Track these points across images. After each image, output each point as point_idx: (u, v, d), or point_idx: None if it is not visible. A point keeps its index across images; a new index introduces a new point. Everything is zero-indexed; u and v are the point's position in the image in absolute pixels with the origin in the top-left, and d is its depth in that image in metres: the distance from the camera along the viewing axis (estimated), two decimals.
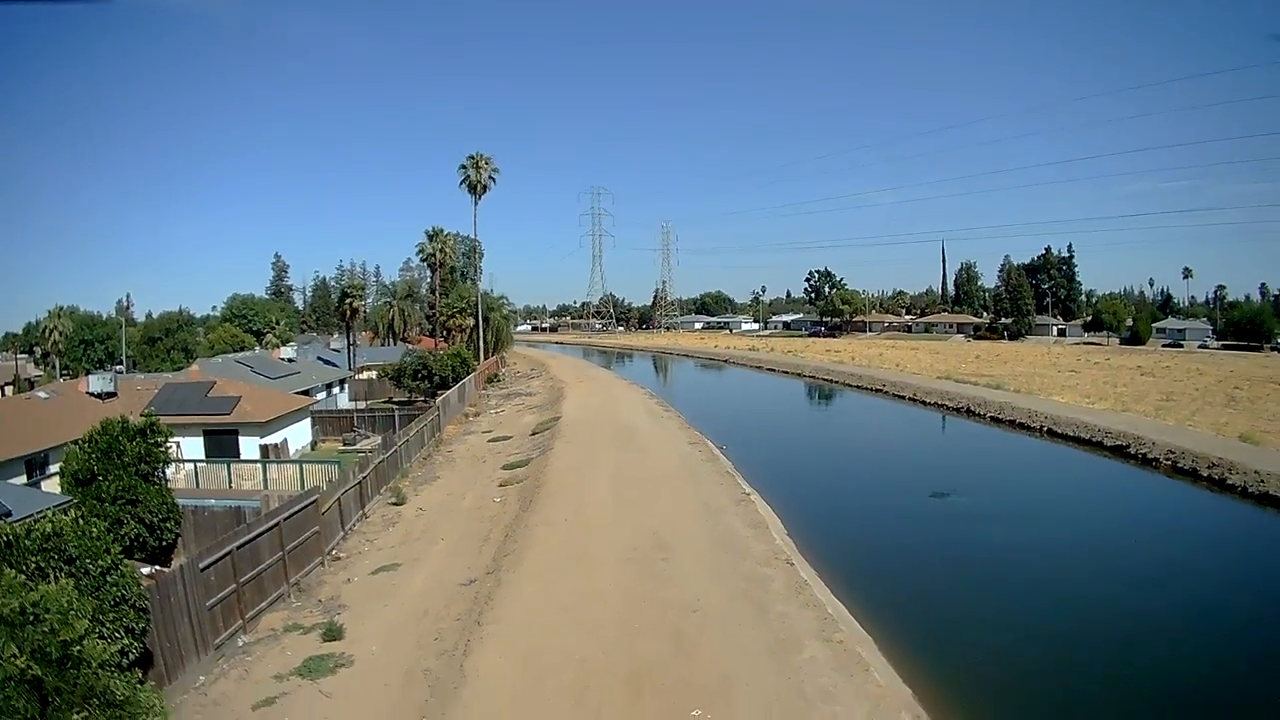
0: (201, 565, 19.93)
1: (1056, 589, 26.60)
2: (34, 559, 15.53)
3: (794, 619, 20.01)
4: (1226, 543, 33.78)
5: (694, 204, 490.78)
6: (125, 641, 15.07)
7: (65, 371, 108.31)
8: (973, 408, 67.64)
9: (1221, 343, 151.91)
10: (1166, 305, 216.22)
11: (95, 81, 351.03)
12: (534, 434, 53.44)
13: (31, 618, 11.99)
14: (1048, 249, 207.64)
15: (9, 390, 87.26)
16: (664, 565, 24.55)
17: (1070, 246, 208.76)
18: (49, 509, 22.20)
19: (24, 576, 13.88)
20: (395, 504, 35.85)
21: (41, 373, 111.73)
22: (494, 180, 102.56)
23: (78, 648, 12.11)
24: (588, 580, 23.61)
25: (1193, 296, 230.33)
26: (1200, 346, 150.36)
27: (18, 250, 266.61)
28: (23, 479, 37.83)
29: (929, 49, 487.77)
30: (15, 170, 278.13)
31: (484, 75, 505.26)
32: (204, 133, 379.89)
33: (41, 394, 50.58)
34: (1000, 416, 62.92)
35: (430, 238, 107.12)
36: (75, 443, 28.29)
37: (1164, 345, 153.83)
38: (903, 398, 79.88)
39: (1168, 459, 44.56)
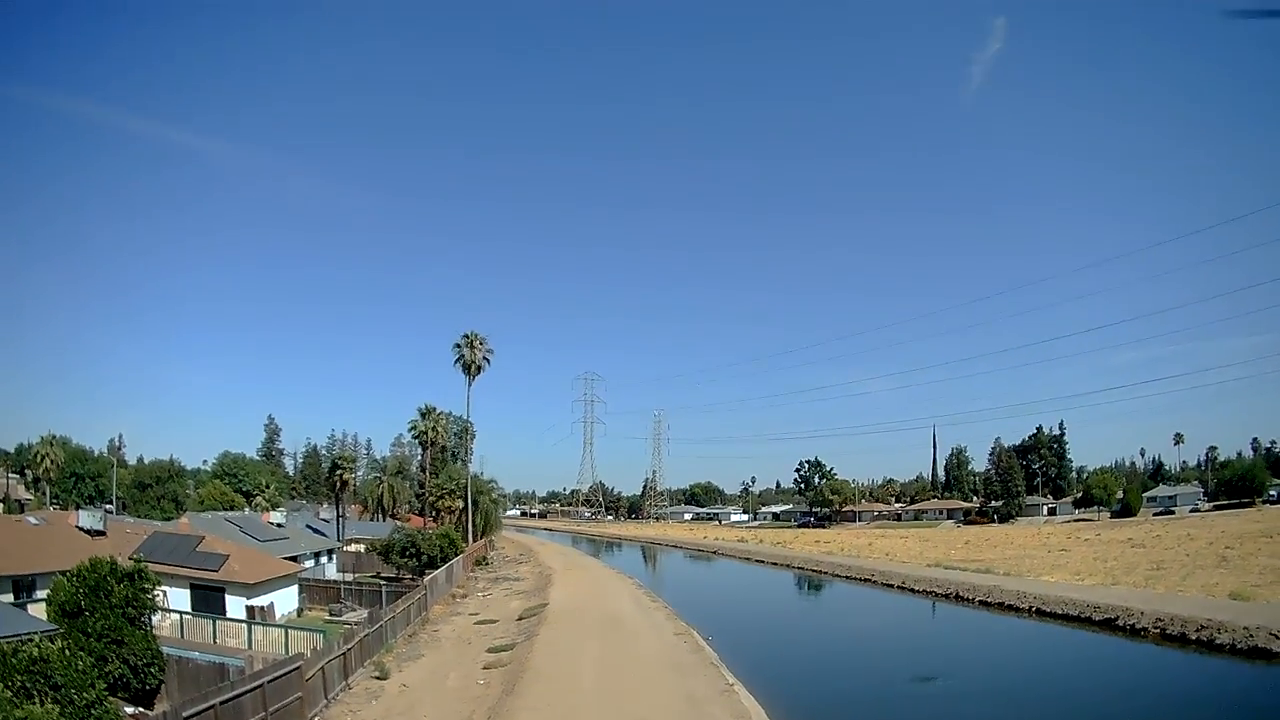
0: (185, 715, 19.65)
1: None
2: (20, 678, 15.57)
3: None
4: (1196, 695, 35.03)
5: (685, 394, 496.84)
6: None
7: (55, 501, 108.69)
8: (961, 593, 67.13)
9: (1213, 504, 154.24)
10: (1158, 473, 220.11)
11: (107, 215, 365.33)
12: (520, 619, 53.11)
13: None
14: (1039, 429, 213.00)
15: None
16: None
17: (1061, 424, 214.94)
18: (36, 633, 22.17)
19: (10, 693, 13.96)
20: (379, 678, 35.38)
21: (31, 496, 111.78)
22: (488, 361, 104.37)
23: None
24: None
25: (1184, 461, 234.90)
26: (1192, 510, 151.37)
27: (14, 367, 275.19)
28: (9, 598, 37.90)
29: (911, 230, 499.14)
30: (19, 288, 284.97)
31: (482, 251, 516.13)
32: (208, 283, 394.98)
33: (32, 519, 50.78)
34: (989, 600, 62.52)
35: (423, 415, 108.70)
36: (64, 574, 28.49)
37: (1155, 514, 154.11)
38: (891, 586, 79.08)
39: (1156, 627, 44.87)
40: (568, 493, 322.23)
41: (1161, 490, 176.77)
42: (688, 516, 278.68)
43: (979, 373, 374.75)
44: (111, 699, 17.16)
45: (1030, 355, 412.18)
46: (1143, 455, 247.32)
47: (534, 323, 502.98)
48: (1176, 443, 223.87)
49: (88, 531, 50.26)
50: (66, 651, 16.96)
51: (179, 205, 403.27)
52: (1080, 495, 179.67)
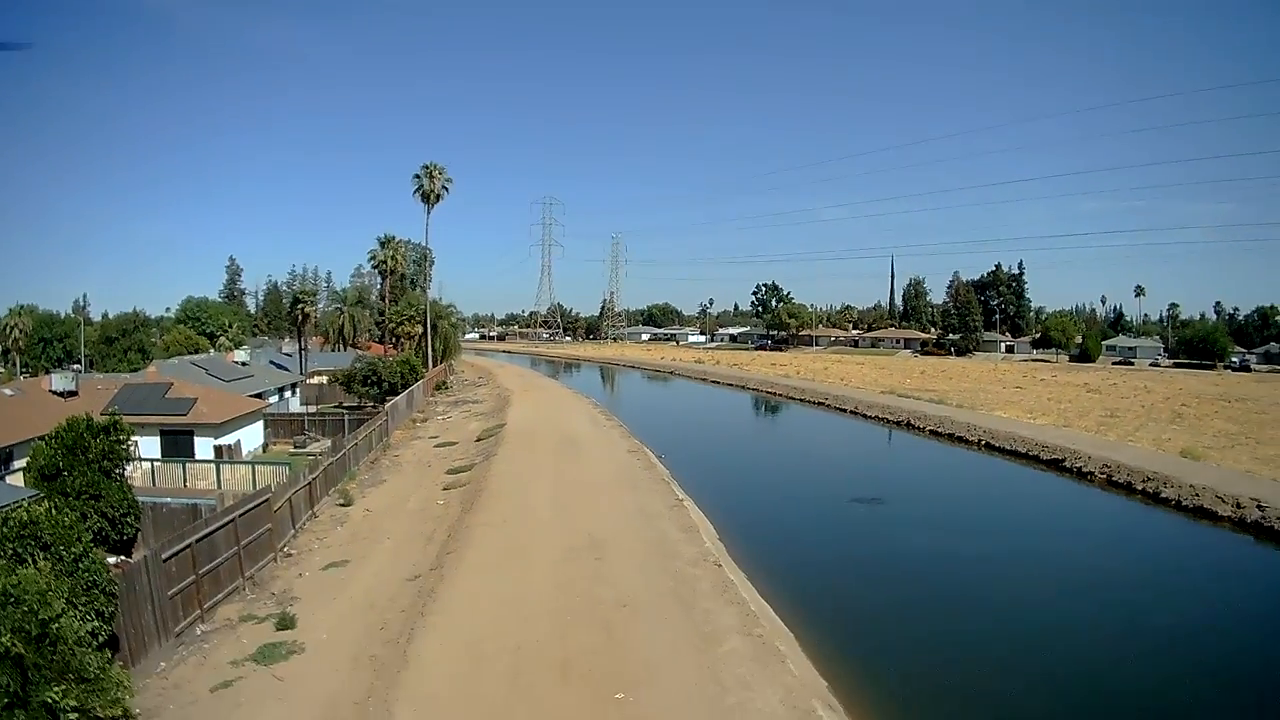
0: (164, 556, 21.13)
1: (965, 589, 28.97)
2: (11, 545, 16.80)
3: (718, 615, 21.64)
4: (1125, 543, 36.29)
5: (644, 217, 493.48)
6: (96, 624, 16.11)
7: (25, 370, 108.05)
8: (913, 421, 69.79)
9: (1173, 361, 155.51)
10: (1118, 323, 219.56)
11: (55, 76, 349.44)
12: (479, 440, 54.75)
13: (13, 599, 13.30)
14: (998, 265, 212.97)
15: None
16: (598, 564, 26.15)
17: (1020, 264, 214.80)
18: (20, 501, 23.25)
19: (3, 560, 15.24)
20: (343, 505, 36.96)
21: (2, 369, 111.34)
22: (447, 190, 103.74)
23: (55, 625, 13.42)
24: (526, 577, 25.15)
25: (1146, 315, 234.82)
26: (1151, 365, 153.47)
27: None
28: None
29: (885, 63, 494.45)
30: None
31: (440, 81, 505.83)
32: (160, 132, 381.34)
33: (7, 391, 50.96)
34: (939, 430, 64.85)
35: (382, 245, 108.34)
36: (42, 439, 29.28)
37: (1114, 363, 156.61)
38: (844, 411, 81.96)
39: (1103, 473, 45.94)
40: (526, 315, 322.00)
41: (1121, 340, 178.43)
42: (645, 337, 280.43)
43: (939, 207, 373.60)
44: (96, 550, 18.43)
45: (991, 195, 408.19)
46: (1104, 303, 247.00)
47: (493, 154, 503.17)
48: (1138, 294, 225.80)
49: (61, 394, 50.51)
50: (53, 510, 18.12)
51: (127, 50, 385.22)
52: (1039, 336, 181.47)
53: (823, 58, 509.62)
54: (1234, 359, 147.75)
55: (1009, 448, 55.52)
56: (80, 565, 17.09)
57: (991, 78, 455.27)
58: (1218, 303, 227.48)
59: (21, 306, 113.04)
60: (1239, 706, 20.14)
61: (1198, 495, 38.90)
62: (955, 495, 47.10)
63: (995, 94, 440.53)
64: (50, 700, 12.86)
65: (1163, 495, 40.64)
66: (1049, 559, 32.81)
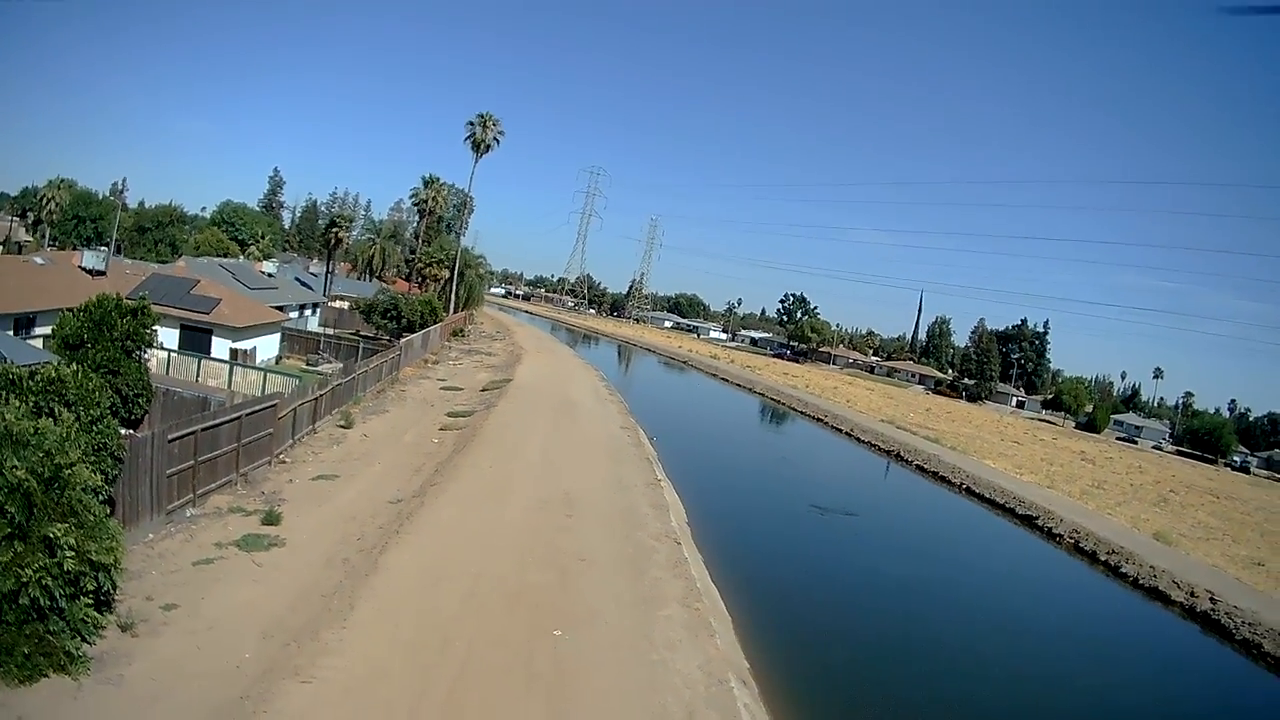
0: (170, 437, 22.59)
1: (902, 605, 30.83)
2: (34, 398, 18.38)
3: (665, 584, 23.11)
4: (1064, 602, 37.70)
5: (686, 204, 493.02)
6: (98, 481, 17.68)
7: (54, 243, 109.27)
8: (902, 453, 70.63)
9: (1176, 448, 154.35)
10: (1132, 400, 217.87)
11: None
12: (484, 390, 56.10)
13: (31, 443, 14.82)
14: (1023, 320, 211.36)
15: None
16: (567, 519, 27.73)
17: (1046, 323, 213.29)
18: (46, 362, 24.81)
19: (27, 409, 16.79)
20: (343, 426, 38.39)
21: (31, 239, 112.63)
22: (498, 142, 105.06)
23: (68, 471, 14.94)
24: (499, 516, 26.77)
25: (1161, 399, 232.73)
26: (1154, 447, 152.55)
27: (18, 113, 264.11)
28: (9, 334, 39.52)
29: (951, 96, 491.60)
30: (19, 29, 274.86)
31: (505, 35, 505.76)
32: (218, 32, 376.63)
33: (38, 259, 52.43)
34: (925, 466, 65.67)
35: (426, 184, 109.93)
36: (70, 310, 30.83)
37: (1118, 438, 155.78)
38: (840, 431, 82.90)
39: (1071, 537, 46.55)
40: (555, 280, 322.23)
41: (1130, 418, 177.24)
42: (668, 324, 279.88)
43: (978, 250, 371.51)
44: (110, 418, 19.94)
45: (1032, 248, 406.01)
46: (1123, 379, 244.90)
47: (546, 115, 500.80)
48: (1156, 376, 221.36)
49: (90, 271, 51.92)
50: (79, 373, 19.69)
51: None
52: (1051, 397, 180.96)
53: (886, 77, 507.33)
54: (1235, 457, 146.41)
55: (988, 496, 56.26)
56: (95, 427, 18.62)
57: (1056, 131, 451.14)
58: (1233, 400, 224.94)
59: (61, 180, 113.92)
60: None
61: (1156, 577, 39.40)
62: (921, 528, 48.34)
63: (1057, 147, 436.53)
64: (51, 535, 14.10)
65: (1122, 570, 41.23)
66: (993, 600, 34.50)
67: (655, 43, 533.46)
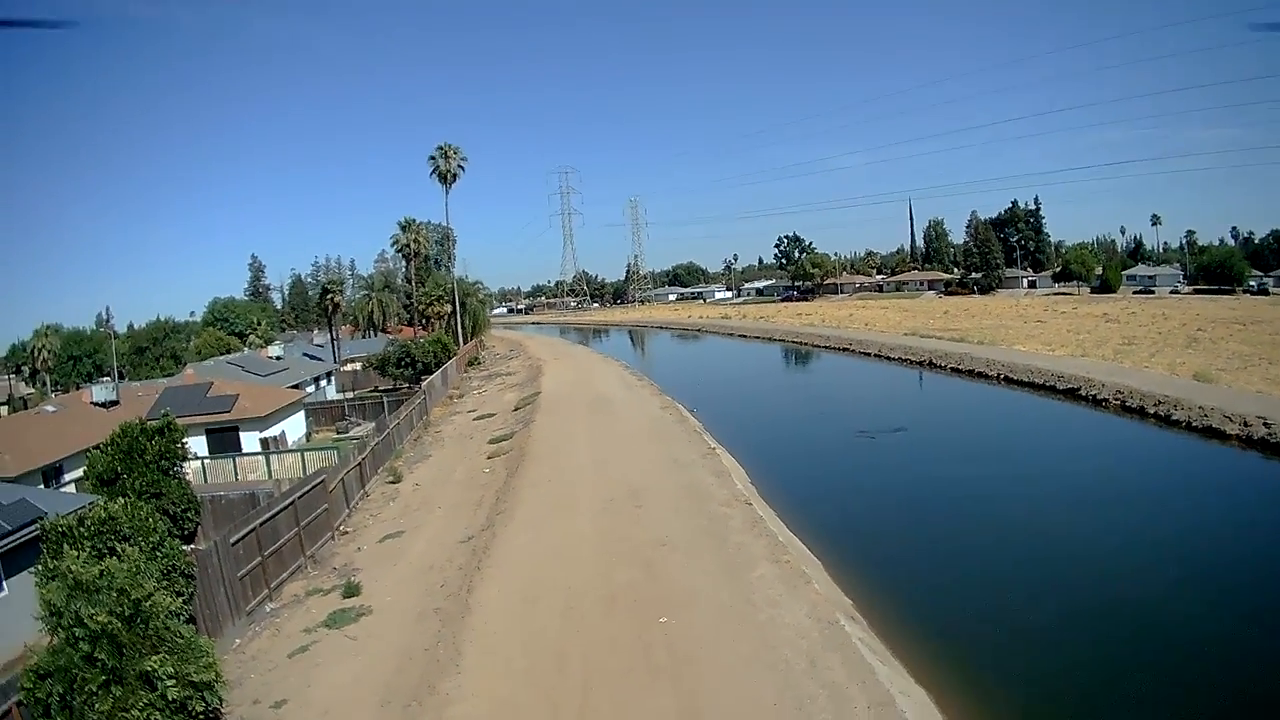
0: (232, 540, 22.58)
1: (980, 511, 30.47)
2: (89, 543, 18.27)
3: (749, 547, 23.01)
4: (1133, 464, 37.11)
5: (661, 178, 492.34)
6: (178, 604, 17.55)
7: (57, 388, 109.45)
8: (934, 360, 70.77)
9: (1193, 287, 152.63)
10: (1137, 253, 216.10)
11: (63, 92, 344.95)
12: (516, 409, 56.03)
13: (104, 586, 14.71)
14: (1014, 202, 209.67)
15: (4, 410, 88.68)
16: (637, 511, 27.68)
17: (1036, 199, 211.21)
18: (91, 503, 24.72)
19: (89, 554, 16.70)
20: (393, 482, 38.41)
21: (32, 390, 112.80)
22: (462, 169, 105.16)
23: (148, 603, 14.84)
24: (571, 527, 26.75)
25: (1165, 243, 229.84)
26: (1171, 292, 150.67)
27: None
28: (42, 489, 39.55)
29: (887, 10, 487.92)
30: None
31: (446, 64, 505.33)
32: (173, 139, 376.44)
33: (49, 408, 52.42)
34: (960, 367, 65.87)
35: (403, 228, 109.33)
36: (97, 447, 30.63)
37: (1135, 292, 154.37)
38: (869, 354, 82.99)
39: (1116, 399, 46.69)
40: (552, 285, 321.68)
41: (1141, 270, 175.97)
42: (672, 298, 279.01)
43: (953, 148, 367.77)
44: (171, 539, 19.91)
45: (1004, 132, 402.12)
46: (1123, 234, 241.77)
47: (504, 130, 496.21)
48: (1154, 223, 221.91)
49: (103, 405, 51.80)
50: (128, 505, 19.62)
51: (134, 68, 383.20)
52: (1060, 270, 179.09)
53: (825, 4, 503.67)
54: (1252, 282, 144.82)
55: (1027, 379, 56.40)
56: (159, 552, 18.60)
57: (993, 15, 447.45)
58: (1234, 227, 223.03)
59: (47, 326, 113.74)
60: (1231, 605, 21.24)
61: (1206, 415, 39.52)
62: (972, 426, 48.52)
63: (1000, 32, 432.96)
64: (149, 670, 14.05)
65: (1174, 418, 41.33)
66: (1059, 480, 33.90)
67: (589, 27, 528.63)
